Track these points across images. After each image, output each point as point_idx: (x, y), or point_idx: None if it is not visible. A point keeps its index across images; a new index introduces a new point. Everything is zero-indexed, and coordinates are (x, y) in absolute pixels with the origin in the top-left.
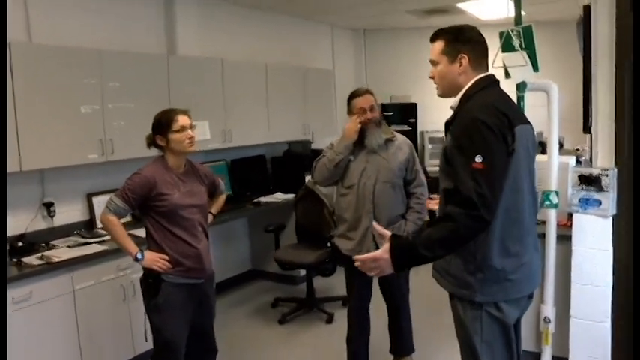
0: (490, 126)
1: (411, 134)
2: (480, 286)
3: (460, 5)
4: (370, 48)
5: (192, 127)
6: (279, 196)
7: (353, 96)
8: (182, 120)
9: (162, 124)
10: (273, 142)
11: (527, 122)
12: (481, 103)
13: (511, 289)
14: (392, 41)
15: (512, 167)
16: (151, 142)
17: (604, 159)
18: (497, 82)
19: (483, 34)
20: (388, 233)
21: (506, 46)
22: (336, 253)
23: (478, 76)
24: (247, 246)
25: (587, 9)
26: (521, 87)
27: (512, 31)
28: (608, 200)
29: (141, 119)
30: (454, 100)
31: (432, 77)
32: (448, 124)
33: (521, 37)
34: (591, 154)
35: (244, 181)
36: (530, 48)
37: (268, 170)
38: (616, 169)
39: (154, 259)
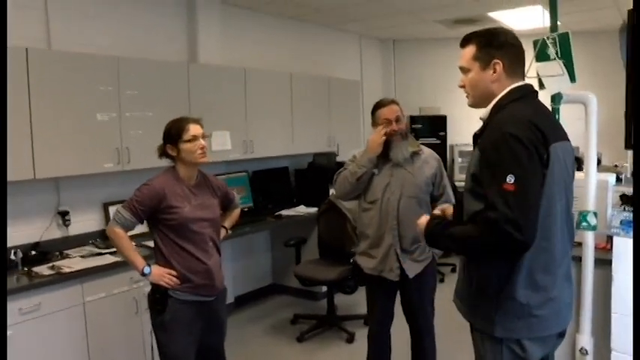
0: (522, 140)
1: (441, 147)
2: (501, 320)
3: (492, 14)
4: (399, 58)
5: (204, 136)
6: (301, 210)
7: (377, 106)
8: (194, 129)
9: (173, 134)
10: (297, 153)
11: (567, 139)
12: (513, 115)
13: (537, 325)
14: (421, 52)
15: (546, 188)
16: (162, 152)
17: None
18: (535, 92)
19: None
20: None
21: (541, 55)
22: (357, 271)
23: (513, 85)
24: (269, 260)
25: (632, 13)
26: (556, 99)
27: (547, 39)
28: None
29: (158, 128)
30: (484, 111)
31: (463, 86)
32: (476, 137)
33: (557, 45)
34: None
35: (266, 193)
36: (566, 57)
37: (292, 182)
38: None
39: (161, 275)
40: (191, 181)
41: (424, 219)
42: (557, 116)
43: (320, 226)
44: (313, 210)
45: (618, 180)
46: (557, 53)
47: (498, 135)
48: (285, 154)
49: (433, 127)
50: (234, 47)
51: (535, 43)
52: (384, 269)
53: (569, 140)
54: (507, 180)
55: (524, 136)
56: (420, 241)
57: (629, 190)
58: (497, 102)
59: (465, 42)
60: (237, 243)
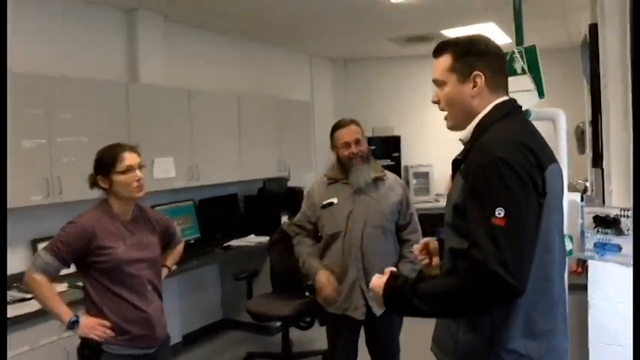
0: (514, 167)
1: (395, 169)
2: None
3: (445, 32)
4: (351, 78)
5: (141, 166)
6: (252, 239)
7: (336, 128)
8: (129, 158)
9: (105, 163)
10: (246, 179)
11: (556, 160)
12: (501, 136)
13: None
14: (373, 71)
15: (543, 221)
16: (93, 183)
17: (621, 197)
18: (519, 108)
19: None
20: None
21: (509, 70)
22: (318, 309)
23: (497, 101)
24: (218, 293)
25: (593, 27)
26: (525, 115)
27: (514, 52)
28: (630, 245)
29: (94, 155)
30: (465, 132)
31: (437, 102)
32: (457, 163)
33: (524, 59)
34: (603, 191)
35: (214, 223)
36: (535, 71)
37: (241, 210)
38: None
39: (92, 326)
40: (126, 216)
41: (378, 281)
42: None
43: (272, 257)
44: (264, 239)
45: (581, 199)
46: (523, 68)
47: (486, 160)
48: (234, 181)
49: (387, 148)
50: (178, 66)
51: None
52: (348, 307)
53: (557, 162)
54: (496, 214)
55: (516, 162)
56: None
57: (601, 210)
58: (480, 121)
59: (439, 51)
60: (184, 278)
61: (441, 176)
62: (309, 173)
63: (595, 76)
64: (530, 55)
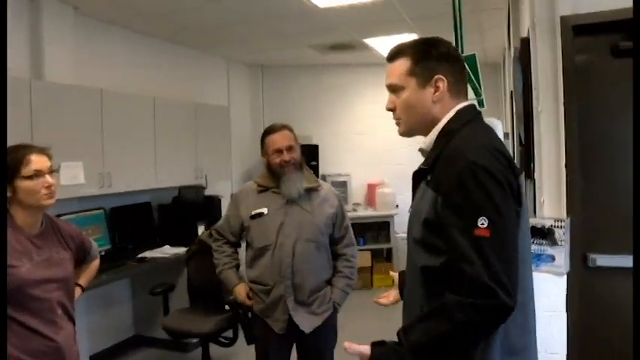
0: (492, 173)
1: None
2: None
3: (367, 41)
4: (268, 85)
5: (52, 171)
6: (167, 250)
7: (267, 133)
8: (37, 162)
9: (9, 167)
10: (161, 187)
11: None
12: (472, 141)
13: None
14: (291, 78)
15: (520, 231)
16: None
17: (552, 208)
18: (480, 114)
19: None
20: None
21: None
22: (243, 325)
23: (459, 106)
24: (129, 309)
25: (525, 42)
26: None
27: None
28: (562, 255)
29: None
30: (426, 140)
31: (392, 109)
32: (419, 174)
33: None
34: (535, 203)
35: (126, 233)
36: (476, 80)
37: (154, 220)
38: (569, 220)
39: None
40: (33, 229)
41: (359, 348)
42: None
43: (190, 269)
44: (181, 250)
45: None
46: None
47: (461, 167)
48: (149, 188)
49: (305, 156)
50: (89, 64)
51: None
52: (269, 316)
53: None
54: (479, 224)
55: (493, 167)
56: (319, 291)
57: (537, 221)
58: (444, 127)
59: (395, 54)
60: (92, 292)
61: (359, 185)
62: (226, 182)
63: (527, 87)
64: (471, 63)
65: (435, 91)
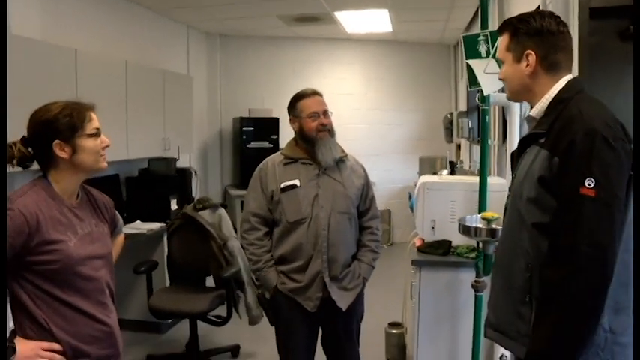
0: (608, 138)
1: (273, 152)
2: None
3: (337, 14)
4: (226, 56)
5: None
6: (139, 226)
7: (299, 97)
8: (96, 120)
9: (72, 124)
10: (131, 158)
11: None
12: (589, 109)
13: (620, 356)
14: (250, 50)
15: (629, 197)
16: (30, 155)
17: None
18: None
19: (361, 50)
20: None
21: (471, 53)
22: (266, 305)
23: (568, 77)
24: None
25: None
26: (486, 99)
27: (479, 36)
28: None
29: None
30: (534, 110)
31: (502, 79)
32: (529, 139)
33: (489, 43)
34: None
35: None
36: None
37: (122, 194)
38: None
39: (34, 353)
40: (72, 198)
41: None
42: (487, 118)
43: (172, 246)
44: (153, 226)
45: None
46: (488, 51)
47: (580, 132)
48: (118, 160)
49: (264, 130)
50: (59, 21)
51: (465, 39)
52: (302, 294)
53: None
54: (586, 184)
55: (610, 135)
56: (349, 266)
57: None
58: (556, 96)
59: (500, 30)
60: None
61: None
62: (190, 153)
63: None
64: (495, 38)
65: (527, 65)
